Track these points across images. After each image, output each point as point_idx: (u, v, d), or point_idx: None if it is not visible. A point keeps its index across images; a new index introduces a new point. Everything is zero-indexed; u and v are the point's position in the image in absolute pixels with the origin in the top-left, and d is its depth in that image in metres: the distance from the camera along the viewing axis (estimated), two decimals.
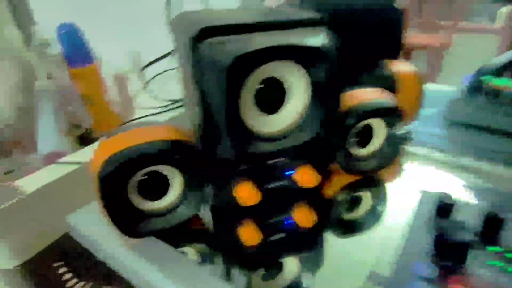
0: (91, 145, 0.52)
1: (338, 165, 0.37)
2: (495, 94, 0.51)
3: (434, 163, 0.44)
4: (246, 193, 0.31)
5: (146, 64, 0.65)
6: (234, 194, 0.31)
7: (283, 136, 0.30)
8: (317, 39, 0.26)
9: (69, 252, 0.42)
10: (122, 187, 0.28)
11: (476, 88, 0.53)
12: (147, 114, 0.60)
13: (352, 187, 0.40)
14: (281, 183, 0.34)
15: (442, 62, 1.98)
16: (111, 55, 0.65)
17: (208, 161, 0.30)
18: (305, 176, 0.32)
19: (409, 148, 0.46)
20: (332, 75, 0.28)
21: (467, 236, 0.26)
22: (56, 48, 0.60)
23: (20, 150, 0.54)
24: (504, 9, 1.86)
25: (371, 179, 0.40)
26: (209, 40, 0.25)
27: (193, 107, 0.31)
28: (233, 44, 0.24)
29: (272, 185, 0.33)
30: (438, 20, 1.93)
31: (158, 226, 0.31)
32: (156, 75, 0.66)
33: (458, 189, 0.38)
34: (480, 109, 0.51)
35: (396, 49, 0.46)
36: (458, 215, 0.30)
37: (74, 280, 0.41)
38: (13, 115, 0.54)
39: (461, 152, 0.45)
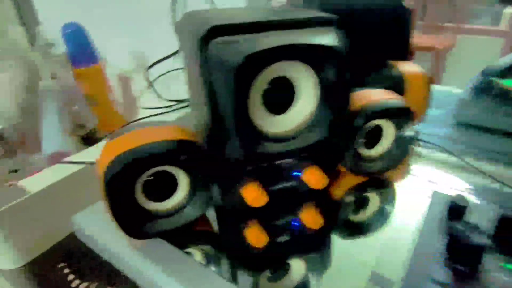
0: (95, 145, 0.52)
1: (345, 166, 0.36)
2: (503, 95, 0.50)
3: (442, 164, 0.44)
4: (254, 194, 0.31)
5: (150, 65, 0.65)
6: (241, 195, 0.31)
7: (291, 136, 0.30)
8: (327, 38, 0.26)
9: (74, 252, 0.42)
10: (129, 187, 0.28)
11: (483, 89, 0.53)
12: (151, 114, 0.59)
13: (359, 188, 0.39)
14: (289, 184, 0.33)
15: (445, 63, 1.98)
16: (115, 55, 0.65)
17: (215, 162, 0.30)
18: (313, 177, 0.32)
19: (417, 149, 0.46)
20: (341, 75, 0.27)
21: (482, 239, 0.25)
22: (61, 48, 0.60)
23: (25, 150, 0.54)
24: (509, 11, 1.85)
25: (378, 180, 0.40)
26: (218, 39, 0.25)
27: (200, 108, 0.31)
28: (243, 44, 0.24)
29: (279, 186, 0.33)
30: (441, 22, 1.93)
31: (164, 227, 0.30)
32: (160, 75, 0.66)
33: (469, 190, 0.37)
34: (488, 110, 0.51)
35: (404, 49, 0.46)
36: (471, 217, 0.29)
37: (78, 281, 0.40)
38: (18, 115, 0.54)
39: (470, 154, 0.44)
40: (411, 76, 0.42)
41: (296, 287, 0.29)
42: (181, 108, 0.60)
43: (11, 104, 0.54)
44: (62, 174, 0.45)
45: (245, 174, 0.31)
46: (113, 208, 0.28)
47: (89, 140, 0.60)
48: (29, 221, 0.42)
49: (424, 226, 0.31)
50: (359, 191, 0.39)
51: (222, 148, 0.28)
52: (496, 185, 0.38)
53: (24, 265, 0.41)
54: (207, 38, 0.25)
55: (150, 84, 0.65)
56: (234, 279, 0.30)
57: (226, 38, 0.25)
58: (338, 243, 0.34)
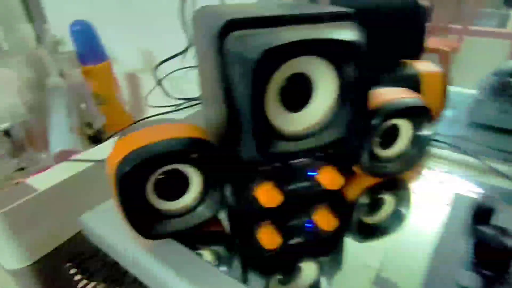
0: (103, 143, 0.51)
1: (360, 167, 0.35)
2: None
3: (460, 166, 0.42)
4: (267, 195, 0.30)
5: (158, 63, 0.65)
6: (254, 195, 0.30)
7: (307, 135, 0.29)
8: (348, 33, 0.25)
9: (81, 252, 0.41)
10: (141, 186, 0.27)
11: (499, 89, 0.51)
12: (159, 113, 0.59)
13: (374, 189, 0.38)
14: (303, 184, 0.32)
15: (452, 65, 1.96)
16: (123, 53, 0.65)
17: (228, 160, 0.29)
18: (328, 178, 0.31)
19: (434, 150, 0.45)
20: (362, 71, 0.27)
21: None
22: (69, 46, 0.60)
23: (32, 148, 0.53)
24: None
25: (394, 182, 0.39)
26: (236, 33, 0.24)
27: (213, 104, 0.30)
28: (262, 37, 0.23)
29: (293, 187, 0.32)
30: (448, 24, 1.92)
31: (176, 227, 0.30)
32: (169, 73, 0.65)
33: (491, 192, 0.36)
34: (504, 111, 0.50)
35: (418, 47, 0.45)
36: (497, 221, 0.28)
37: (86, 281, 0.40)
38: (25, 113, 0.54)
39: (485, 154, 0.43)
40: (427, 75, 0.41)
41: None
42: (189, 106, 0.59)
43: (18, 102, 0.54)
44: (70, 172, 0.44)
45: (258, 174, 0.30)
46: (124, 207, 0.27)
47: (96, 138, 0.59)
48: (35, 220, 0.41)
49: (445, 229, 0.29)
50: (374, 192, 0.38)
51: (236, 146, 0.27)
52: None
53: (30, 264, 0.40)
54: (224, 32, 0.24)
55: (158, 83, 0.64)
56: (245, 281, 0.29)
57: (244, 31, 0.24)
58: (349, 246, 0.33)
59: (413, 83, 0.40)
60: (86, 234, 0.34)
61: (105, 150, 0.37)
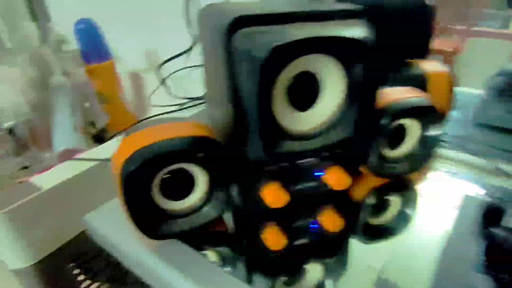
0: (107, 142, 0.51)
1: (368, 167, 0.35)
2: None
3: (466, 166, 0.42)
4: (274, 195, 0.29)
5: (162, 62, 0.65)
6: (260, 195, 0.30)
7: (314, 135, 0.28)
8: (358, 31, 0.25)
9: (84, 252, 0.41)
10: (146, 185, 0.27)
11: (505, 90, 0.51)
12: (163, 112, 0.58)
13: (381, 190, 0.38)
14: (310, 184, 0.32)
15: (454, 66, 1.95)
16: (127, 52, 0.65)
17: (234, 160, 0.29)
18: (335, 178, 0.31)
19: (439, 150, 0.44)
20: (370, 70, 0.26)
21: None
22: (73, 44, 0.59)
23: (35, 147, 0.53)
24: None
25: (401, 182, 0.38)
26: (244, 30, 0.23)
27: (219, 103, 0.30)
28: (270, 35, 0.23)
29: (299, 187, 0.32)
30: (451, 25, 1.91)
31: (182, 227, 0.29)
32: (173, 72, 0.65)
33: (498, 193, 0.36)
34: (511, 111, 0.49)
35: (425, 47, 0.44)
36: (509, 222, 0.28)
37: (89, 281, 0.39)
38: (29, 111, 0.53)
39: (493, 155, 0.42)
40: (434, 74, 0.40)
41: None
42: (193, 106, 0.59)
43: (22, 100, 0.54)
44: (74, 172, 0.44)
45: (265, 174, 0.30)
46: (129, 206, 0.26)
47: (99, 137, 0.59)
48: (39, 219, 0.41)
49: (454, 231, 0.29)
50: (380, 193, 0.38)
51: (242, 146, 0.27)
52: None
53: (34, 264, 0.40)
54: (232, 29, 0.24)
55: (162, 82, 0.64)
56: (249, 282, 0.29)
57: (252, 29, 0.23)
58: (354, 247, 0.33)
59: (419, 83, 0.40)
60: (90, 234, 0.34)
61: (109, 149, 0.37)
